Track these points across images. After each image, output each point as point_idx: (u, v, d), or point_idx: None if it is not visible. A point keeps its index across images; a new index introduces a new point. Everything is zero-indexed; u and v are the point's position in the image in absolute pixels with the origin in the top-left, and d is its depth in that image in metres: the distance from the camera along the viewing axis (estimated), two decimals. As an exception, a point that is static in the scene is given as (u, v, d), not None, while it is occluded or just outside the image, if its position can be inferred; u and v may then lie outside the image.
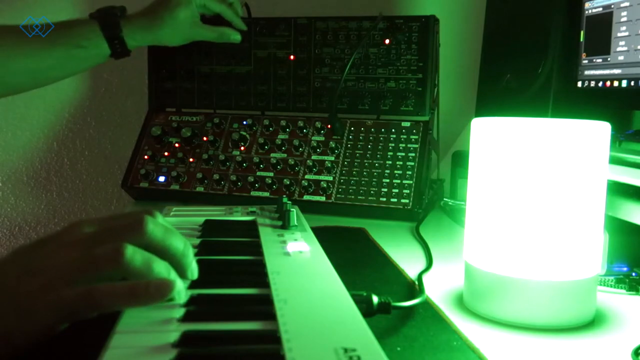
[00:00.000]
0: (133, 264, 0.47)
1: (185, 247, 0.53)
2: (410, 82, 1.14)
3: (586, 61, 0.99)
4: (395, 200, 1.06)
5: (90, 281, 0.47)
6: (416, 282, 0.69)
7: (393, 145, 1.11)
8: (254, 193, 1.13)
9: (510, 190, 0.57)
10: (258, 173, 1.15)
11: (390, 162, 1.10)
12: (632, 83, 0.89)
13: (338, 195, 1.09)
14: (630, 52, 0.89)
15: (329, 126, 1.16)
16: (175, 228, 0.54)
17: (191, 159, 1.20)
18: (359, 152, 1.12)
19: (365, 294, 0.55)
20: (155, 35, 1.10)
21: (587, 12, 0.99)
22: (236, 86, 1.24)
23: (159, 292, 0.47)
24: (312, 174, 1.12)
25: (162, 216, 0.54)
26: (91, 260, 0.47)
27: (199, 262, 0.60)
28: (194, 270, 0.54)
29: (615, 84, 0.92)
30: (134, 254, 0.47)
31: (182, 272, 0.52)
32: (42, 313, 0.46)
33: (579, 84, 1.01)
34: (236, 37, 1.16)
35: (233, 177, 1.15)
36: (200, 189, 1.16)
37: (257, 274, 0.56)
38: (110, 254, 0.47)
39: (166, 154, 1.21)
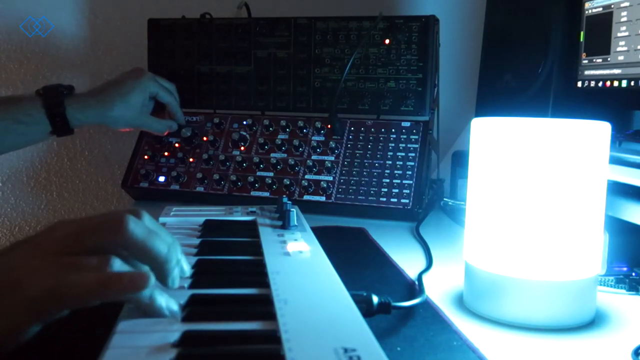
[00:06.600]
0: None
1: (168, 252, 0.48)
2: (410, 82, 1.14)
3: (586, 61, 0.99)
4: (395, 200, 1.06)
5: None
6: (416, 282, 0.69)
7: (393, 145, 1.11)
8: (254, 193, 1.13)
9: (510, 190, 0.57)
10: (258, 173, 1.15)
11: (390, 162, 1.10)
12: (632, 83, 0.89)
13: (338, 195, 1.09)
14: (630, 52, 0.89)
15: (329, 126, 1.16)
16: (165, 229, 0.51)
17: (191, 159, 1.20)
18: (359, 152, 1.12)
19: (365, 294, 0.55)
20: (102, 115, 1.08)
21: (587, 12, 0.99)
22: (236, 86, 1.24)
23: (133, 284, 0.44)
24: (312, 174, 1.12)
25: (150, 217, 0.50)
26: (60, 268, 0.44)
27: (199, 262, 0.60)
28: (174, 279, 0.50)
29: (615, 84, 0.92)
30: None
31: (161, 279, 0.48)
32: (9, 314, 0.43)
33: (579, 84, 1.01)
34: (176, 128, 1.20)
35: (233, 177, 1.14)
36: (200, 189, 1.16)
37: (257, 274, 0.56)
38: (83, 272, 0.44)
39: (166, 154, 1.21)
